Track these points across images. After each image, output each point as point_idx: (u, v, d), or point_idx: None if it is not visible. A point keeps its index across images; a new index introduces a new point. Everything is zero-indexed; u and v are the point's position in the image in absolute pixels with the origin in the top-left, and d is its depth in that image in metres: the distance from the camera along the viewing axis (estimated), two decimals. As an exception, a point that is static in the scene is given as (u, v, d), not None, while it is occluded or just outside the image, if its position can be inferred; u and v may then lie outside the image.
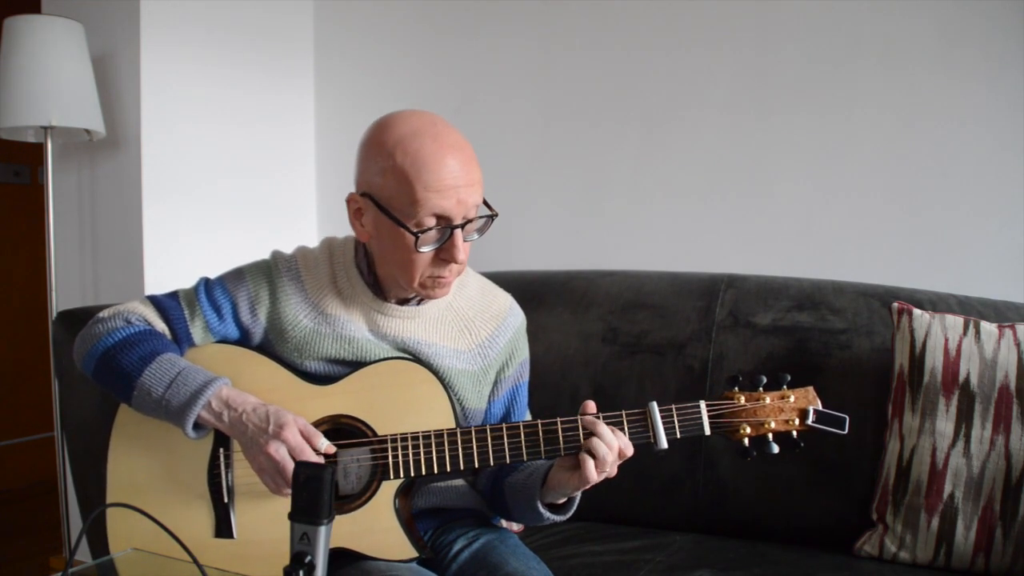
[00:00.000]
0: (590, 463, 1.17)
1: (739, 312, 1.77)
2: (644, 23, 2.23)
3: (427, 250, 1.20)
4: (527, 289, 1.91)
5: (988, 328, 1.51)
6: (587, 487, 1.21)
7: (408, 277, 1.23)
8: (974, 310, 1.64)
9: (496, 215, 1.24)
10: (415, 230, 1.18)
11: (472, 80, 2.48)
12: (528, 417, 1.44)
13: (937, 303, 1.65)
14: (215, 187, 2.47)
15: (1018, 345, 1.48)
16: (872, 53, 1.98)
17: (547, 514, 1.28)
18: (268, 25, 2.60)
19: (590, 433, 1.19)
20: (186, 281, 1.39)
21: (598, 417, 1.21)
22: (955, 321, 1.53)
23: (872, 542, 1.53)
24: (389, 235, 1.21)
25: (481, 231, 1.25)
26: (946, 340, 1.51)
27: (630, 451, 1.20)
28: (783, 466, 1.64)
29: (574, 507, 1.30)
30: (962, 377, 1.48)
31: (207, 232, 2.45)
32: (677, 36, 2.19)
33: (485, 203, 1.24)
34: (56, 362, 1.71)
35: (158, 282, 2.29)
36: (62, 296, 2.36)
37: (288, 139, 2.70)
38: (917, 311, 1.55)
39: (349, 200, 1.26)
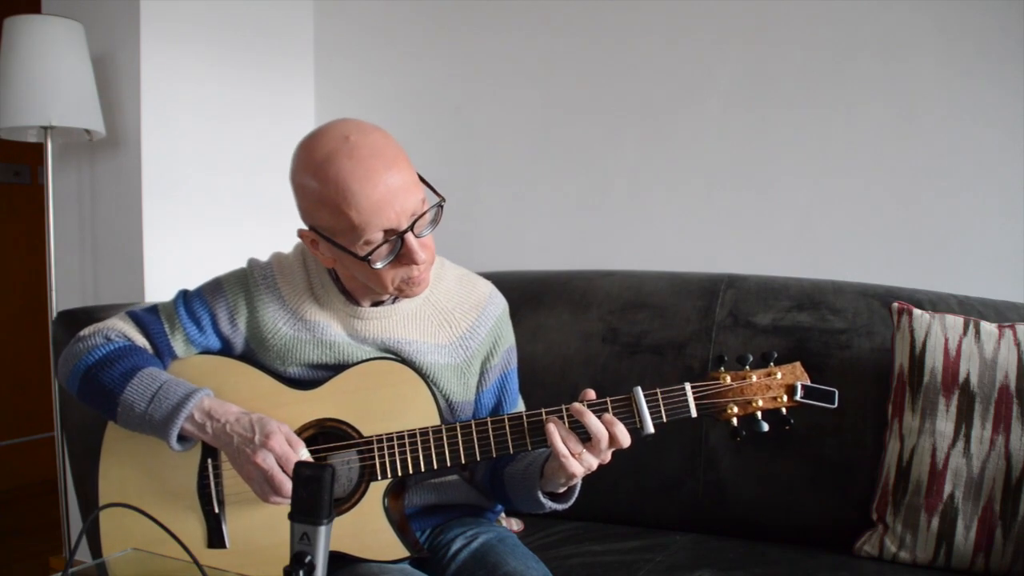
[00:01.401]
0: (571, 461, 1.15)
1: (739, 312, 1.77)
2: (643, 22, 2.23)
3: (383, 264, 1.19)
4: (527, 289, 1.91)
5: (988, 328, 1.51)
6: (580, 476, 1.18)
7: (381, 287, 1.23)
8: (974, 310, 1.63)
9: (444, 200, 1.21)
10: (363, 254, 1.17)
11: (472, 80, 2.48)
12: (521, 405, 1.44)
13: (937, 303, 1.65)
14: (215, 187, 2.47)
15: (1018, 345, 1.48)
16: (873, 51, 1.98)
17: (548, 503, 1.27)
18: (268, 25, 2.60)
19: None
20: (186, 281, 1.39)
21: (589, 405, 1.18)
22: (955, 321, 1.53)
23: (872, 542, 1.53)
24: (347, 259, 1.21)
25: (435, 222, 1.22)
26: (946, 340, 1.51)
27: (626, 440, 1.16)
28: (783, 466, 1.65)
29: (575, 495, 1.29)
30: (962, 377, 1.48)
31: (207, 232, 2.45)
32: (676, 35, 2.19)
33: (428, 186, 1.21)
34: (56, 362, 1.71)
35: (158, 282, 2.29)
36: (62, 296, 2.36)
37: (288, 139, 2.68)
38: (917, 311, 1.55)
39: (301, 235, 1.26)
